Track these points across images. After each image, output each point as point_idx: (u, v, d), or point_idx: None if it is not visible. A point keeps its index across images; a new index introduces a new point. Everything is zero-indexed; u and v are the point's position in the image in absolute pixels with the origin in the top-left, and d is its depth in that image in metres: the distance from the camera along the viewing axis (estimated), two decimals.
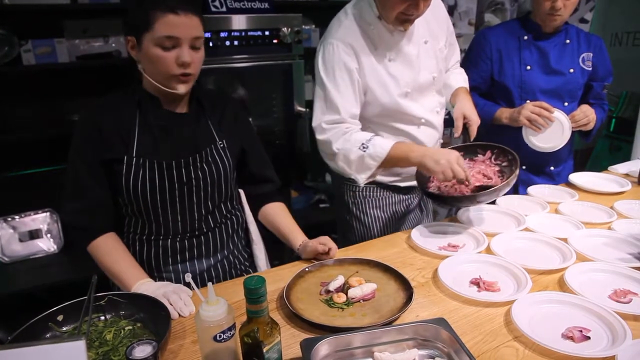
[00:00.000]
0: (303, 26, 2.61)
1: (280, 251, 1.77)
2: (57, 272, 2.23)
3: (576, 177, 1.95)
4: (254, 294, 0.80)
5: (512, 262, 1.27)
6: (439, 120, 1.71)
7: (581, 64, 1.94)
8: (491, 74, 1.98)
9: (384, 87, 1.53)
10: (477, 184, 1.47)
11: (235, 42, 2.40)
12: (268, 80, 2.62)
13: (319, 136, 1.53)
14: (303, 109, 2.69)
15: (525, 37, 1.94)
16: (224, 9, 2.37)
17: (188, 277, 0.90)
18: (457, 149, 1.56)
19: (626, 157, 2.82)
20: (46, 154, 2.35)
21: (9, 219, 2.30)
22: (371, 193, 1.72)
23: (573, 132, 1.85)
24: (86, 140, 1.24)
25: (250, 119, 1.97)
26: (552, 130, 1.80)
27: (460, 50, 1.88)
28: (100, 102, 1.28)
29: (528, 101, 1.88)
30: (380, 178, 1.67)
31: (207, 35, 2.29)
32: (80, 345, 0.68)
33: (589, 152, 3.75)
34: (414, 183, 1.62)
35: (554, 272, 1.26)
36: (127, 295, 1.10)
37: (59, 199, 1.29)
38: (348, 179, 1.73)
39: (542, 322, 1.04)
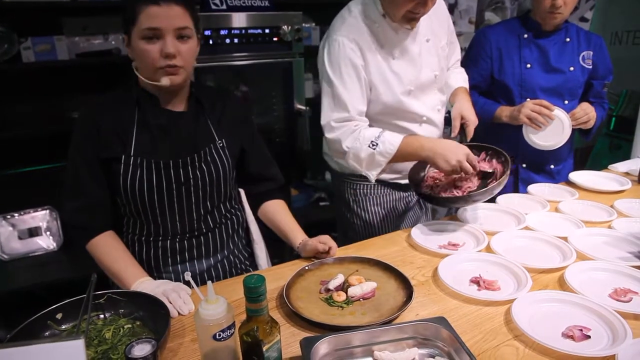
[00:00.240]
0: (303, 24, 2.61)
1: (280, 249, 1.77)
2: (57, 270, 2.22)
3: (576, 176, 1.95)
4: (254, 293, 0.80)
5: (512, 261, 1.26)
6: (440, 118, 1.72)
7: (581, 62, 1.94)
8: (491, 73, 1.98)
9: (388, 85, 1.53)
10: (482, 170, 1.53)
11: (236, 40, 2.39)
12: (268, 78, 2.61)
13: (328, 135, 1.53)
14: (303, 107, 2.69)
15: (525, 36, 1.93)
16: (224, 6, 2.37)
17: (187, 276, 0.90)
18: None
19: (626, 155, 2.81)
20: (46, 151, 2.35)
21: (9, 217, 2.30)
22: (372, 190, 1.72)
23: (573, 131, 1.84)
24: (85, 137, 1.23)
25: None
26: (552, 128, 1.80)
27: (461, 49, 1.88)
28: (100, 100, 1.27)
29: (528, 99, 1.88)
30: (381, 175, 1.66)
31: (207, 32, 2.29)
32: (79, 343, 0.68)
33: (589, 150, 3.75)
34: None
35: (554, 271, 1.26)
36: (127, 294, 1.09)
37: (59, 196, 1.29)
38: (348, 177, 1.73)
39: (542, 321, 1.04)
